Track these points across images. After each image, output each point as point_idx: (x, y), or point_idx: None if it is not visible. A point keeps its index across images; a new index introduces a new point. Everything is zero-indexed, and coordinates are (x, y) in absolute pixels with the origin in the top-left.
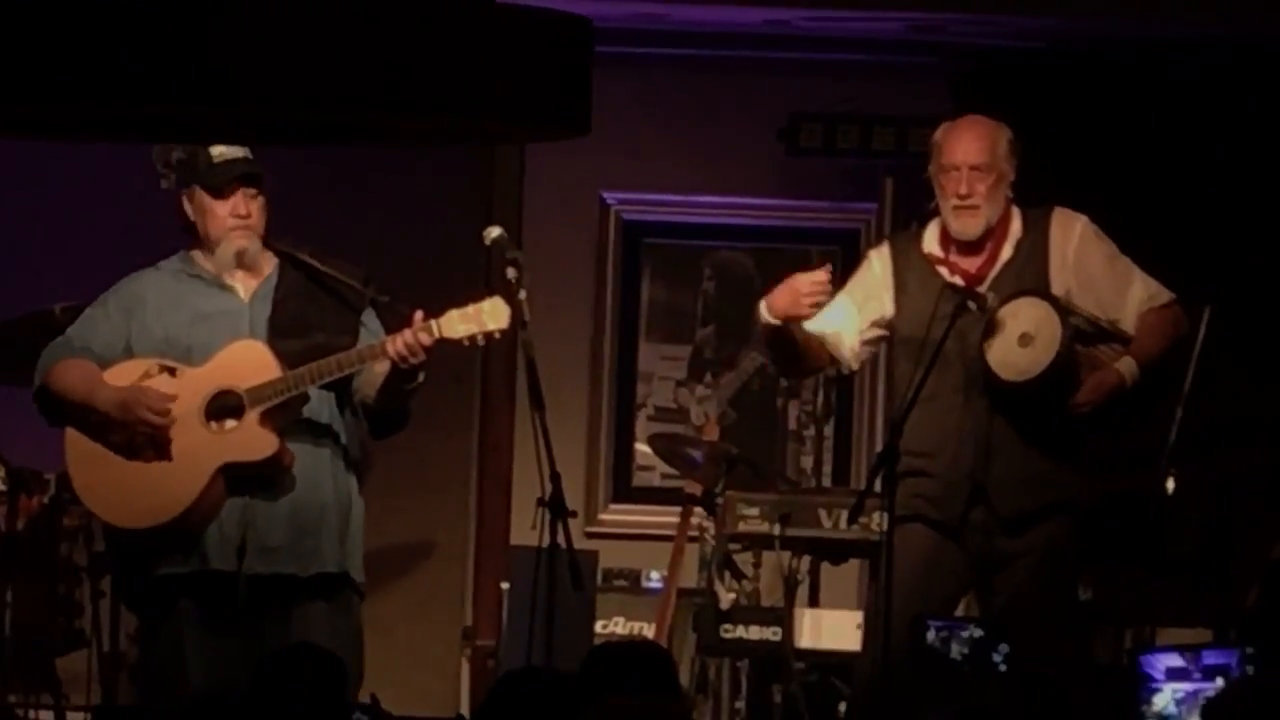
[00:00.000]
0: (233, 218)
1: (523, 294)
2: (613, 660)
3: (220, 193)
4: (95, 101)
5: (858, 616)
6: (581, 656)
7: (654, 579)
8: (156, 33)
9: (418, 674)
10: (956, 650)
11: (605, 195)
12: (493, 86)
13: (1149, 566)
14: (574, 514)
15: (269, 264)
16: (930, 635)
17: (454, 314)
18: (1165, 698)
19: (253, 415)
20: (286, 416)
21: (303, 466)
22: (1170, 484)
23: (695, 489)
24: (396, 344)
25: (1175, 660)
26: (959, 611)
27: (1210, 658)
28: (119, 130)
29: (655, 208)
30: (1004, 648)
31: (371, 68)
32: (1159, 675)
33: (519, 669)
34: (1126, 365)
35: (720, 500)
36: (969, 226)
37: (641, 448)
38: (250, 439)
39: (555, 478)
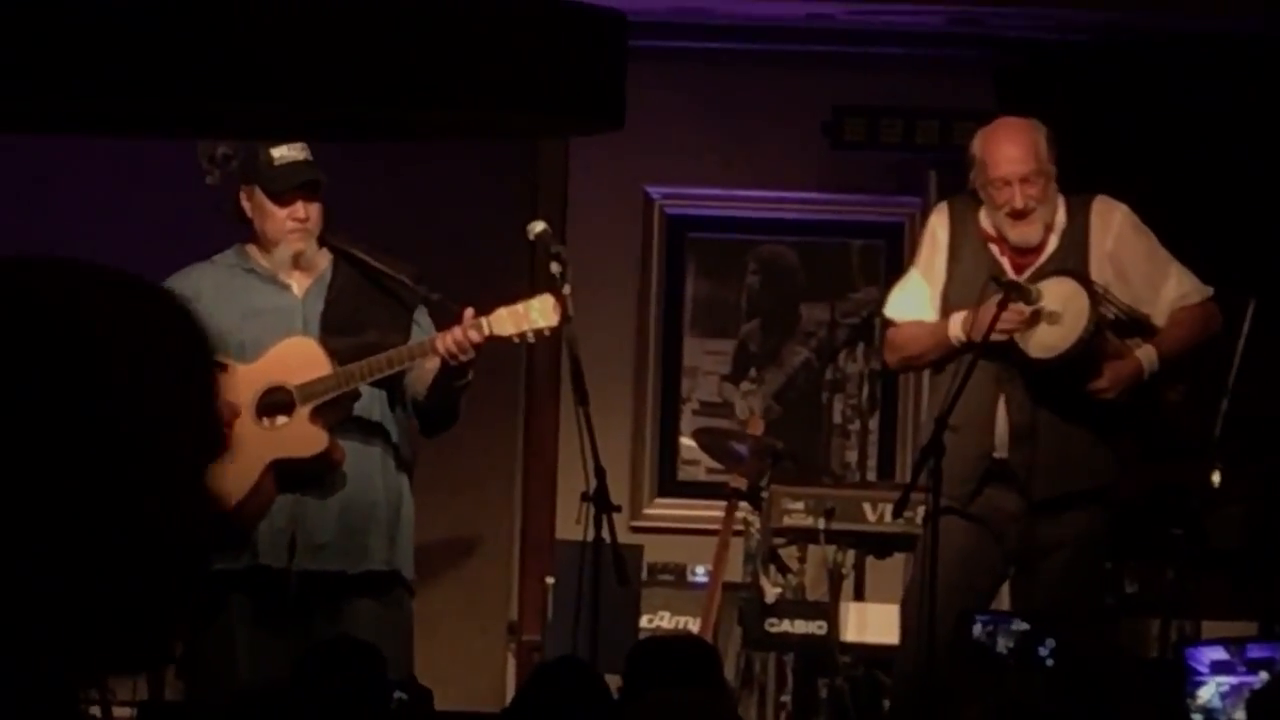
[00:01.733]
0: (291, 220)
1: (567, 289)
2: (658, 655)
3: (280, 197)
4: (133, 97)
5: None
6: (626, 651)
7: (699, 573)
8: (197, 29)
9: (463, 669)
10: (1002, 644)
11: (649, 190)
12: (526, 81)
13: (1194, 560)
14: (619, 508)
15: (323, 260)
16: (977, 629)
17: (503, 311)
18: (1210, 691)
19: (303, 411)
20: (337, 413)
21: (353, 464)
22: (1216, 477)
23: (740, 483)
24: (446, 341)
25: (1220, 654)
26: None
27: (1255, 651)
28: (158, 126)
29: (699, 202)
30: (1050, 642)
31: (406, 63)
32: (1203, 669)
33: (554, 659)
34: (1146, 354)
35: (765, 494)
36: (1029, 235)
37: (686, 442)
38: (301, 435)
39: (600, 472)
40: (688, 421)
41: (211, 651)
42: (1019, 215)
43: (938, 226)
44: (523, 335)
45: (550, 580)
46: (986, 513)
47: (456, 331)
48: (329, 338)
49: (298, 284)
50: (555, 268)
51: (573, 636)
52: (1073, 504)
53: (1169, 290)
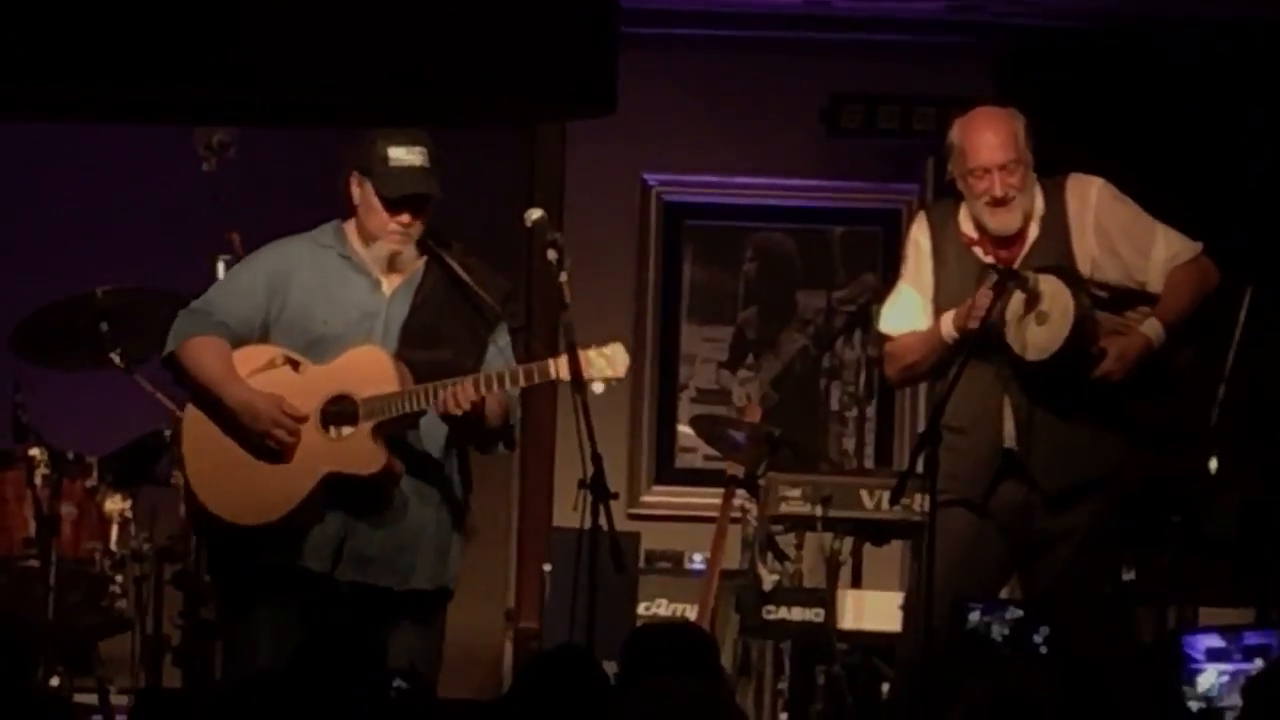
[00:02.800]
0: (395, 223)
1: (564, 276)
2: (655, 642)
3: (388, 202)
4: (130, 84)
5: (900, 597)
6: (623, 638)
7: (696, 560)
8: (195, 16)
9: (460, 656)
10: (998, 632)
11: (646, 177)
12: (518, 66)
13: (1191, 547)
14: (616, 496)
15: (417, 262)
16: (973, 618)
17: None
18: (1210, 679)
19: (366, 427)
20: (399, 431)
21: (412, 481)
22: (1213, 464)
23: (737, 470)
24: (447, 399)
25: (1216, 641)
26: (1003, 595)
27: (1251, 638)
28: (155, 112)
29: (696, 189)
30: (1045, 629)
31: (400, 49)
32: (1200, 656)
33: (555, 647)
34: (1151, 327)
35: (762, 481)
36: (1008, 223)
37: (684, 429)
38: (360, 452)
39: (597, 459)
40: (685, 409)
41: (237, 643)
42: (998, 203)
43: (919, 235)
44: (590, 382)
45: (547, 568)
46: (995, 505)
47: (457, 390)
48: (405, 350)
49: (388, 282)
50: (552, 255)
51: (570, 624)
52: (1083, 494)
53: (1159, 252)
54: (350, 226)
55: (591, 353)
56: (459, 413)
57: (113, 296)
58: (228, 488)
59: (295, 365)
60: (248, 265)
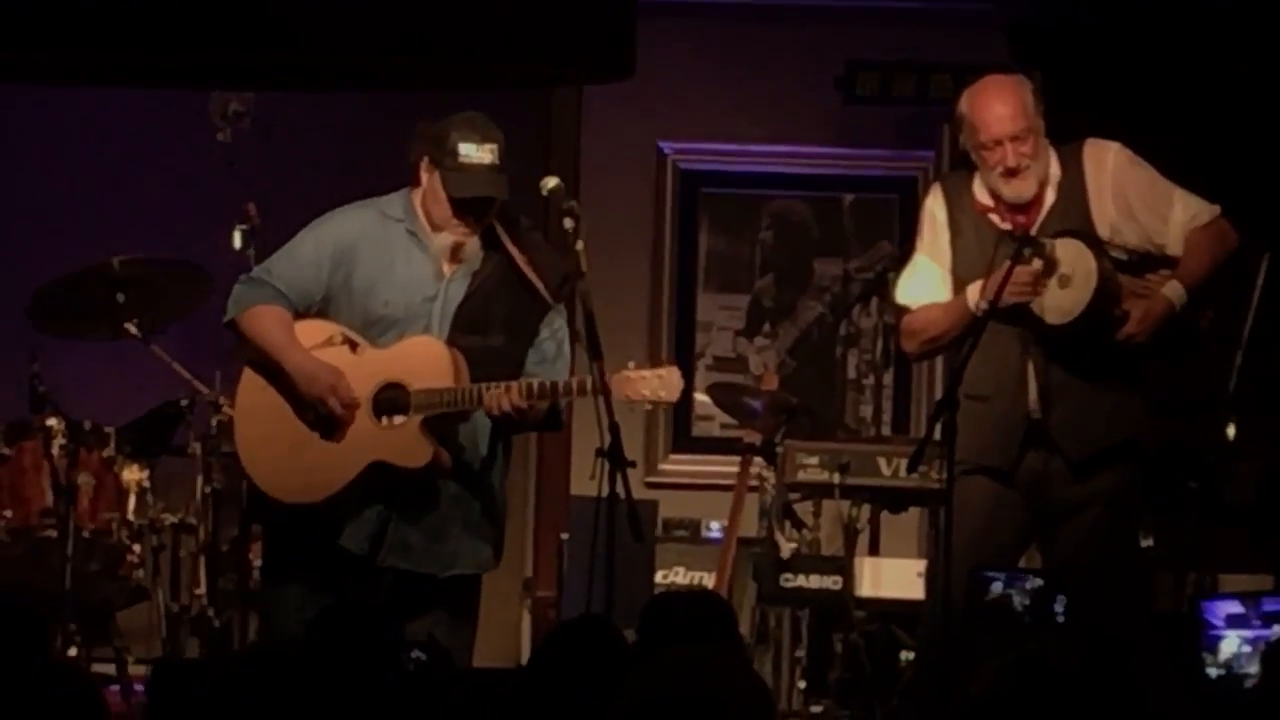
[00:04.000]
0: (458, 218)
1: (580, 244)
2: (672, 610)
3: (455, 201)
4: (145, 48)
5: (918, 565)
6: (641, 607)
7: (714, 529)
8: None
9: (479, 625)
10: (1018, 601)
11: (662, 145)
12: (535, 30)
13: (1209, 514)
14: (633, 464)
15: (477, 248)
16: (996, 588)
17: (629, 375)
18: (1232, 645)
19: (415, 419)
20: (448, 425)
21: (457, 468)
22: (1231, 431)
23: (755, 438)
24: (490, 400)
25: (1235, 607)
26: (1022, 563)
27: (1270, 604)
28: (169, 77)
29: (712, 157)
30: (1063, 598)
31: (414, 13)
32: (1219, 622)
33: (576, 617)
34: (1173, 289)
35: (780, 449)
36: (1023, 190)
37: (700, 397)
38: (408, 444)
39: (614, 428)
40: (702, 377)
41: (272, 619)
42: (1012, 173)
43: (935, 207)
44: (641, 401)
45: (565, 536)
46: (1018, 473)
47: (500, 395)
48: (457, 334)
49: (448, 266)
50: (568, 224)
51: (588, 593)
52: (1105, 460)
53: (1177, 215)
54: (418, 199)
55: (647, 373)
56: (500, 416)
57: (129, 266)
58: (274, 462)
59: (353, 346)
60: (314, 235)
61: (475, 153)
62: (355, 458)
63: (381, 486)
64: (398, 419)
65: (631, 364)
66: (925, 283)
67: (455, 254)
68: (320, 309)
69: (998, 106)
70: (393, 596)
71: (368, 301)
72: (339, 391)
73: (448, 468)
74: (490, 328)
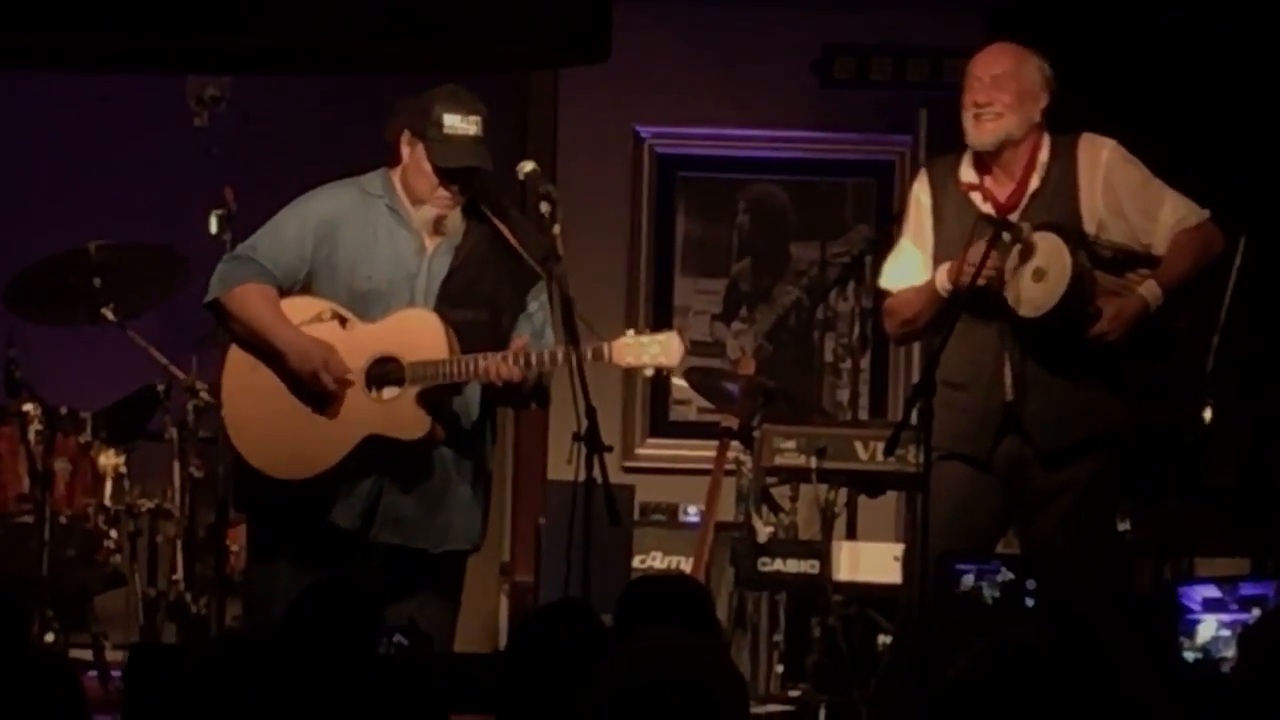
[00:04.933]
0: (443, 189)
1: (557, 229)
2: (649, 594)
3: (441, 171)
4: (123, 31)
5: (895, 549)
6: (618, 591)
7: (691, 513)
8: None
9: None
10: (988, 594)
11: (639, 129)
12: (511, 13)
13: (1186, 497)
14: (610, 449)
15: (459, 221)
16: (966, 580)
17: (628, 341)
18: (1210, 629)
19: (410, 392)
20: (443, 398)
21: (450, 442)
22: (1208, 414)
23: (732, 423)
24: (489, 368)
25: (1212, 591)
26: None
27: (1247, 588)
28: (146, 61)
29: (689, 141)
30: (1030, 583)
31: None
32: (1196, 606)
33: (554, 602)
34: (1149, 289)
35: (757, 434)
36: (985, 133)
37: (678, 382)
38: (404, 416)
39: (591, 413)
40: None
41: (257, 596)
42: (979, 111)
43: (920, 192)
44: (641, 368)
45: (542, 521)
46: (994, 459)
47: (497, 363)
48: (443, 307)
49: (430, 240)
50: (545, 208)
51: (565, 577)
52: (1081, 450)
53: (1165, 216)
54: (397, 177)
55: (645, 338)
56: (499, 384)
57: (105, 252)
58: (267, 440)
59: (342, 322)
60: (297, 212)
61: (460, 124)
62: (351, 432)
63: (376, 460)
64: (392, 392)
65: (630, 331)
66: (907, 267)
67: (437, 227)
68: (305, 285)
69: (994, 51)
70: (383, 574)
71: (351, 278)
72: (331, 366)
73: (441, 440)
74: (477, 301)
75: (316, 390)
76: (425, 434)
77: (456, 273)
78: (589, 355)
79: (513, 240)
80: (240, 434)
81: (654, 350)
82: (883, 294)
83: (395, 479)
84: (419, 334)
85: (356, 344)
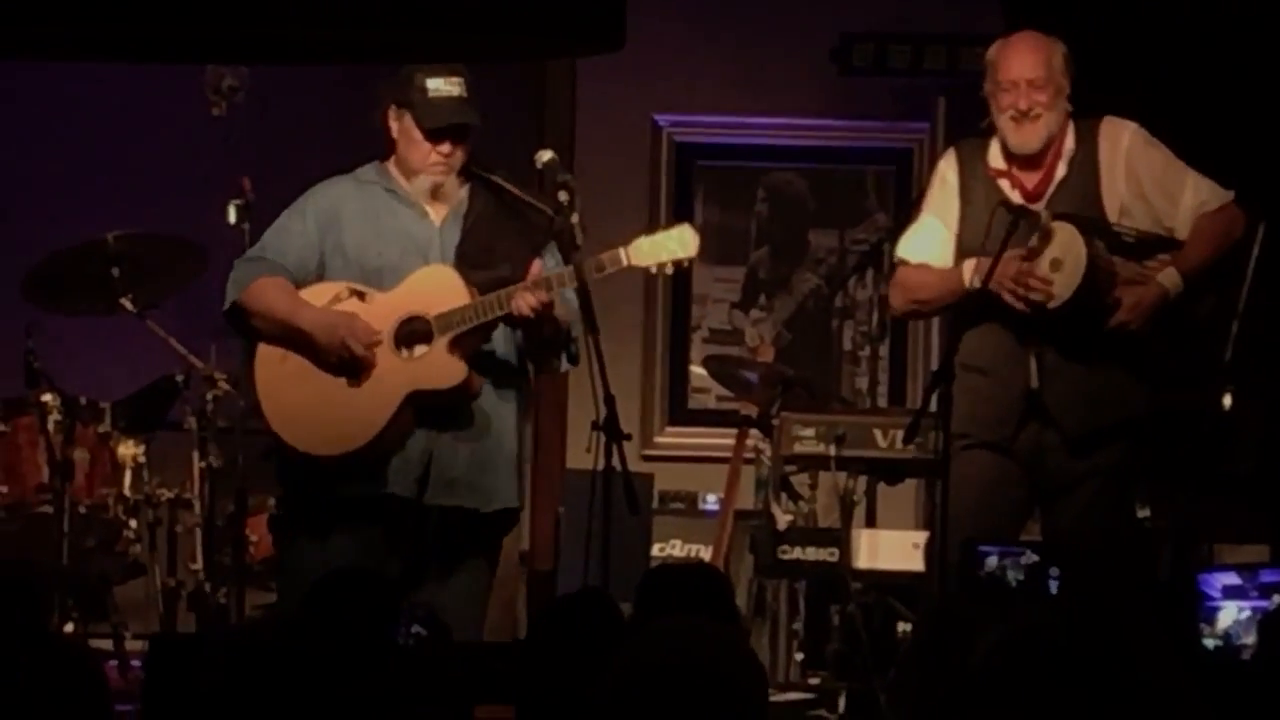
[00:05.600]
0: (436, 154)
1: (575, 217)
2: (669, 583)
3: (429, 133)
4: (137, 21)
5: (915, 536)
6: (638, 580)
7: (710, 501)
8: None
9: None
10: (1012, 576)
11: (657, 118)
12: (525, 3)
13: (1206, 484)
14: (629, 437)
15: (461, 190)
16: (991, 563)
17: (642, 241)
18: (1230, 616)
19: (441, 342)
20: (475, 344)
21: (488, 400)
22: (1227, 400)
23: (751, 411)
24: (515, 300)
25: (1232, 578)
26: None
27: (1268, 576)
28: (159, 51)
29: (707, 129)
30: (1055, 570)
31: None
32: (1216, 593)
33: (575, 591)
34: (1169, 277)
35: (776, 422)
36: (1029, 138)
37: (696, 370)
38: (439, 366)
39: (610, 401)
40: (698, 349)
41: (313, 570)
42: (1022, 116)
43: (947, 170)
44: (662, 266)
45: (561, 510)
46: (1017, 446)
47: (520, 293)
48: (465, 270)
49: (435, 212)
50: (563, 197)
51: (584, 566)
52: (1106, 437)
53: (1187, 199)
54: (391, 163)
55: (660, 235)
56: (532, 314)
57: (124, 242)
58: (309, 421)
59: (361, 296)
60: (296, 210)
61: (444, 86)
62: (390, 395)
63: (421, 422)
64: (423, 349)
65: (641, 235)
66: (929, 240)
67: (435, 194)
68: (319, 274)
69: (1023, 50)
70: (436, 538)
71: (361, 256)
72: (357, 332)
73: (479, 390)
74: (494, 260)
75: (347, 359)
76: (463, 380)
77: (469, 236)
78: (606, 264)
79: (519, 192)
80: (284, 425)
81: (671, 245)
82: (897, 262)
83: (443, 440)
84: (438, 288)
85: (379, 312)
